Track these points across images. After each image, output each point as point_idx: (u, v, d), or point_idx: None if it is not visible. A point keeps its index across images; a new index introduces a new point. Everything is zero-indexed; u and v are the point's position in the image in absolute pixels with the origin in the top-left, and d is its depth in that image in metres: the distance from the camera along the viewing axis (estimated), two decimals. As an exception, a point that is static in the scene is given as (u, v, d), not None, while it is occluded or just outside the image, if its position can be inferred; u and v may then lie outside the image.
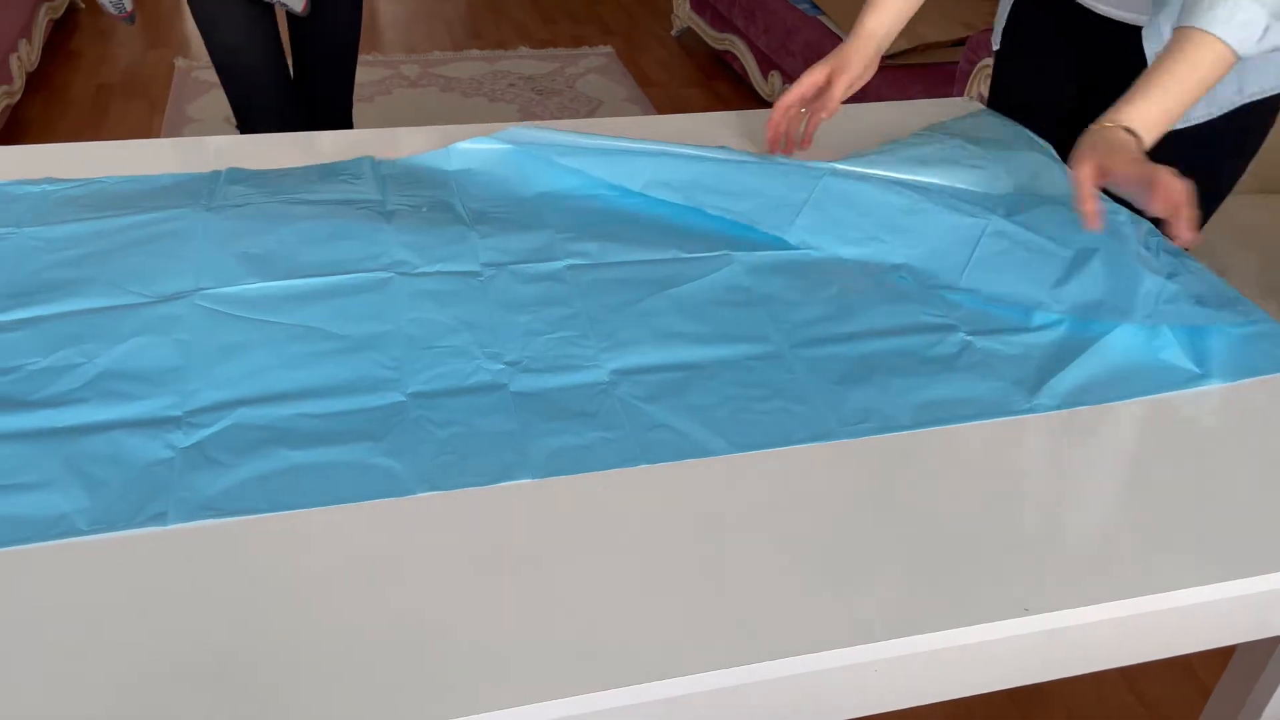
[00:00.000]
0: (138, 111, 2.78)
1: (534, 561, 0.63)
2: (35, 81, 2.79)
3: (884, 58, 2.15)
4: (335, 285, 0.85)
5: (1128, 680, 1.38)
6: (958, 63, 1.94)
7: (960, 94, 1.87)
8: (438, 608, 0.60)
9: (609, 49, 3.29)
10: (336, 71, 1.81)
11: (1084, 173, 0.87)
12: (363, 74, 2.61)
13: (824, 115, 1.08)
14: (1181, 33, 0.90)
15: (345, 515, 0.66)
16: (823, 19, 2.41)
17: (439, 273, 0.88)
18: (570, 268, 0.89)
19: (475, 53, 3.23)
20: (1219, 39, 0.88)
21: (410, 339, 0.80)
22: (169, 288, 0.84)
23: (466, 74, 3.08)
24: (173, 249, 0.89)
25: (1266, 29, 0.88)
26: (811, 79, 1.08)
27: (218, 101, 2.83)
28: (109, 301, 0.82)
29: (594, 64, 3.19)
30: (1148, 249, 0.94)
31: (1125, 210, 0.98)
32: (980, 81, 1.82)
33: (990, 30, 1.85)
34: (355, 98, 1.94)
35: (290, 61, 1.79)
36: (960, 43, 2.05)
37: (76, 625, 0.58)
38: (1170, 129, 0.92)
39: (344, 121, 1.88)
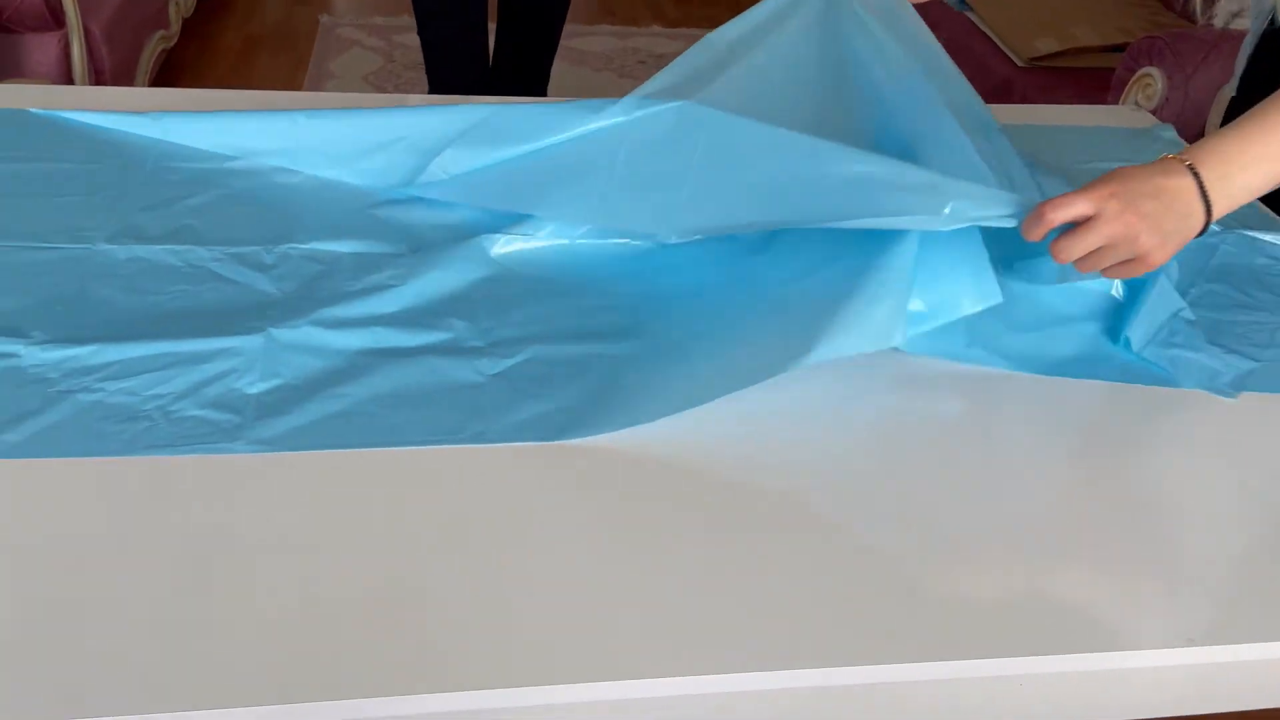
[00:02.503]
0: (283, 65, 2.88)
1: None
2: (190, 28, 2.91)
3: (1031, 59, 2.08)
4: (612, 249, 0.89)
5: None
6: (1114, 69, 1.86)
7: (1115, 104, 1.80)
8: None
9: (742, 32, 3.26)
10: (541, 29, 1.86)
11: (1069, 201, 0.71)
12: (499, 42, 2.64)
13: None
14: None
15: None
16: (970, 15, 2.34)
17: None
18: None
19: (606, 28, 3.24)
20: None
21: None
22: (464, 233, 0.89)
23: (597, 49, 3.09)
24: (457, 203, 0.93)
25: None
26: None
27: (359, 59, 2.90)
28: (410, 241, 0.88)
29: (726, 46, 3.17)
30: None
31: None
32: (1137, 91, 1.74)
33: (1152, 38, 1.77)
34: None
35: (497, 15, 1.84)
36: (1118, 48, 1.97)
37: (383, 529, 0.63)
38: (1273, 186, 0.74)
39: (539, 81, 1.91)
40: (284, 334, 0.75)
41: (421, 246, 0.87)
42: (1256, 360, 0.84)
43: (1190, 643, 0.59)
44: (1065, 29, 2.11)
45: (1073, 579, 0.64)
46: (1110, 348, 0.83)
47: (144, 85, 2.35)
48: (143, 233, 0.85)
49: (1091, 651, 0.59)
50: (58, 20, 1.99)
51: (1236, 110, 1.06)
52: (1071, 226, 0.71)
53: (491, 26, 1.94)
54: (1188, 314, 0.86)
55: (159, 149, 0.97)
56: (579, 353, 0.78)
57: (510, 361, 0.76)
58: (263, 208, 0.90)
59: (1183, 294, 0.86)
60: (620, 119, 0.88)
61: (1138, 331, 0.82)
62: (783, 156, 0.82)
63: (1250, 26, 1.11)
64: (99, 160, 0.95)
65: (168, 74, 2.69)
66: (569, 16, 1.97)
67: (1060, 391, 0.79)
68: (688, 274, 0.87)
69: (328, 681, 0.53)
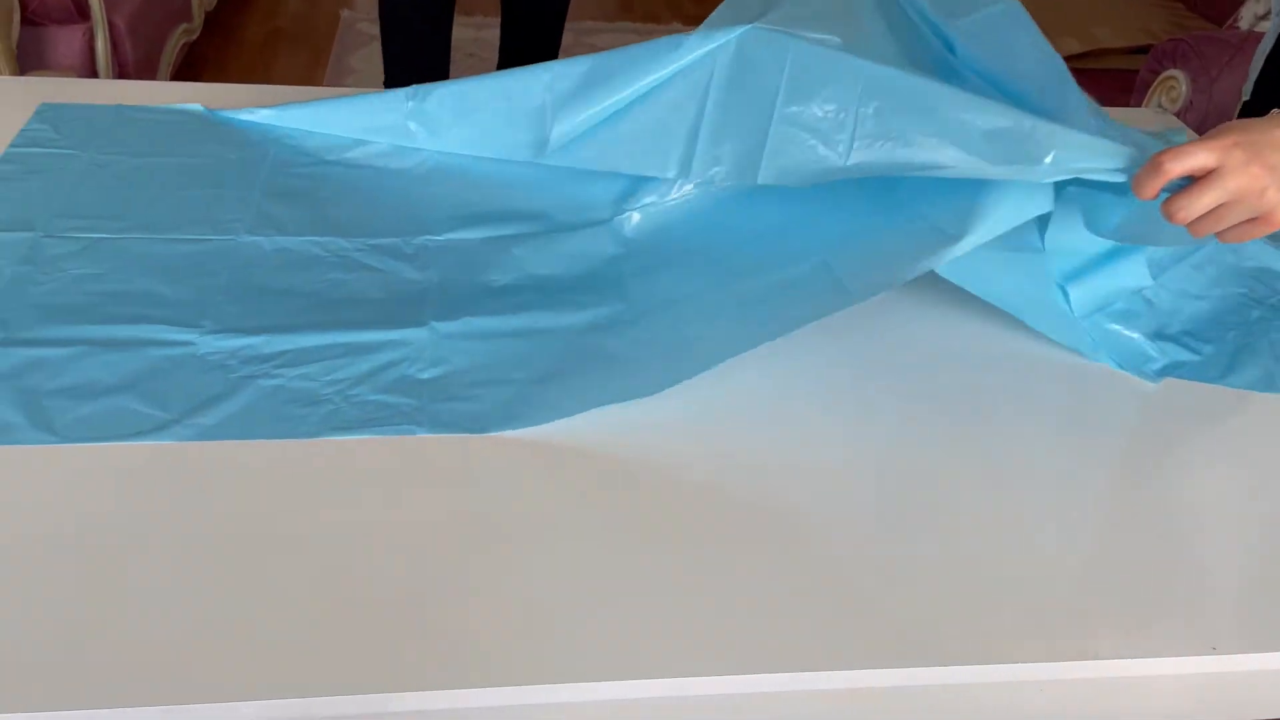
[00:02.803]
0: (303, 59, 2.89)
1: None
2: (212, 21, 2.92)
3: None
4: (728, 192, 0.90)
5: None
6: (1137, 71, 1.85)
7: (1139, 105, 1.79)
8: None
9: (762, 30, 3.26)
10: (543, 32, 1.90)
11: (1191, 151, 0.63)
12: (519, 38, 2.64)
13: None
14: None
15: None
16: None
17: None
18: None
19: (627, 25, 3.24)
20: None
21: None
22: (588, 206, 0.90)
23: (618, 45, 3.09)
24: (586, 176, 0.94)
25: None
26: None
27: (379, 54, 2.91)
28: (538, 221, 0.89)
29: (745, 44, 3.16)
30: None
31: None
32: (1161, 94, 1.73)
33: (1176, 40, 1.75)
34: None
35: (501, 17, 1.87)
36: (1141, 50, 1.96)
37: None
38: None
39: None
40: (445, 326, 0.78)
41: (551, 226, 0.89)
42: (1196, 354, 0.82)
43: (1213, 650, 0.59)
44: (1087, 30, 2.10)
45: (1092, 585, 0.63)
46: (1057, 297, 0.78)
47: (167, 78, 2.37)
48: (282, 225, 0.87)
49: (1113, 659, 0.58)
50: (82, 13, 2.01)
51: (1247, 114, 1.05)
52: (1186, 183, 0.65)
53: (491, 29, 1.97)
54: (1151, 294, 0.83)
55: (276, 140, 0.98)
56: (722, 297, 0.80)
57: (658, 325, 0.78)
58: (390, 198, 0.92)
59: (1155, 276, 0.82)
60: (713, 45, 0.85)
61: (1085, 293, 0.78)
62: (869, 90, 0.76)
63: (1270, 27, 1.10)
64: (216, 154, 0.96)
65: (190, 67, 2.71)
66: (589, 13, 2.01)
67: (1074, 392, 0.79)
68: (804, 201, 0.85)
69: (331, 678, 0.54)
